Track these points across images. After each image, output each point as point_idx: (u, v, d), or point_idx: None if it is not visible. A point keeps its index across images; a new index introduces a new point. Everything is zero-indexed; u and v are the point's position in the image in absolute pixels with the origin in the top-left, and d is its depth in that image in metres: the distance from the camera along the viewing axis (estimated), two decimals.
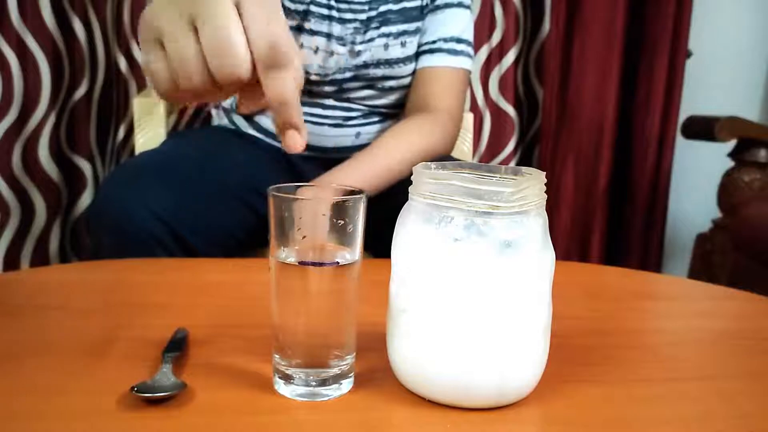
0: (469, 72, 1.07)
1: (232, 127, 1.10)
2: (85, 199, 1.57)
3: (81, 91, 1.51)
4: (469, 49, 1.06)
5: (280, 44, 0.37)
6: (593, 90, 1.73)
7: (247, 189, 0.92)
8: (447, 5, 1.05)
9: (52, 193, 1.52)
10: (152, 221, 0.78)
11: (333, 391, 0.45)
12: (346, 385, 0.46)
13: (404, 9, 1.02)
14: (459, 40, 1.04)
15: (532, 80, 1.78)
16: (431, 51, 1.04)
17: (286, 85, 0.39)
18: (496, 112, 1.72)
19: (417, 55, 1.05)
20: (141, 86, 1.51)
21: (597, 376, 0.51)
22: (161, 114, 1.16)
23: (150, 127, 1.15)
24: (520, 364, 0.44)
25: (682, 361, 0.55)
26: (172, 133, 1.26)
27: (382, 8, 1.01)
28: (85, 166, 1.55)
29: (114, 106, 1.55)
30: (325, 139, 1.03)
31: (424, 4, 1.04)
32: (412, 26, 1.02)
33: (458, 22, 1.05)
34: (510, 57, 1.69)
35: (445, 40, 1.03)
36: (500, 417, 0.44)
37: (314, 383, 0.45)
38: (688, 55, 1.76)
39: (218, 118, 1.15)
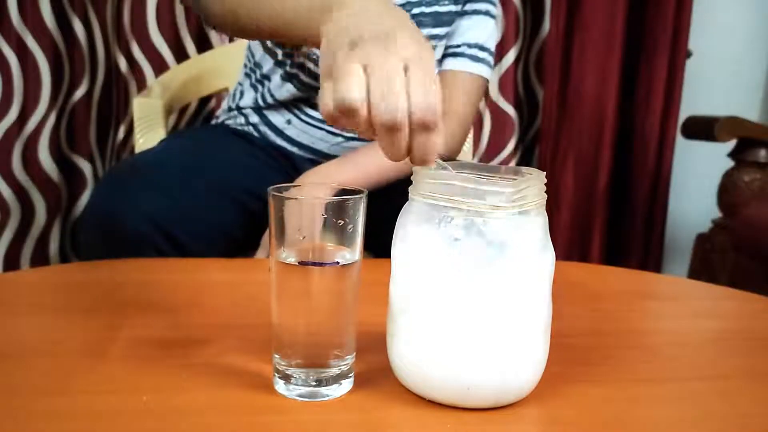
0: (487, 81, 1.07)
1: (241, 121, 1.09)
2: (85, 200, 1.57)
3: (81, 91, 1.51)
4: (490, 59, 1.06)
5: (434, 111, 0.41)
6: (593, 90, 1.73)
7: (244, 189, 0.92)
8: (475, 12, 1.05)
9: (52, 193, 1.52)
10: (144, 222, 0.78)
11: (333, 391, 0.45)
12: (346, 385, 0.46)
13: (436, 13, 1.02)
14: (482, 48, 1.05)
15: (532, 80, 1.77)
16: (454, 54, 1.05)
17: (428, 147, 0.42)
18: (496, 112, 1.72)
19: (440, 59, 1.05)
20: (141, 86, 1.51)
21: (597, 376, 0.51)
22: (161, 114, 1.16)
23: (150, 127, 1.15)
24: (520, 364, 0.44)
25: (682, 361, 0.55)
26: (171, 132, 1.26)
27: (415, 11, 1.01)
28: (85, 166, 1.55)
29: (114, 106, 1.55)
30: (336, 149, 1.03)
31: (456, 9, 1.04)
32: (442, 31, 1.03)
33: (483, 30, 1.05)
34: (510, 57, 1.69)
35: (469, 45, 1.04)
36: (500, 417, 0.44)
37: (314, 383, 0.45)
38: (688, 55, 1.76)
39: (227, 114, 1.14)
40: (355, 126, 0.43)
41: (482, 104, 1.71)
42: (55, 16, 1.45)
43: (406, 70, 0.41)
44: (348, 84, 0.41)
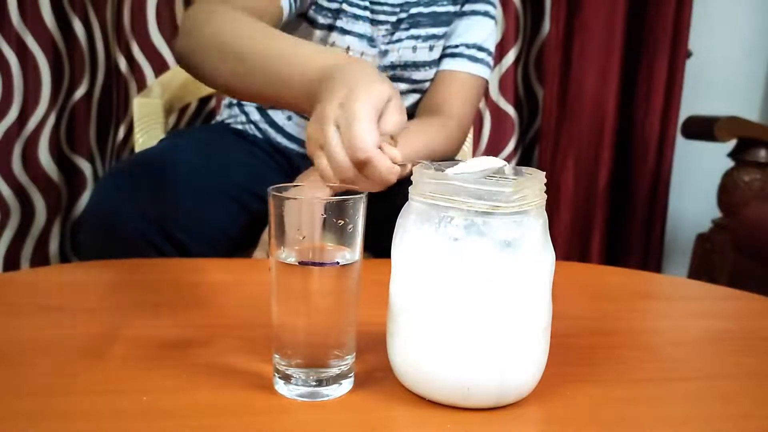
0: (486, 81, 1.07)
1: (241, 120, 1.09)
2: (85, 200, 1.57)
3: (81, 91, 1.51)
4: (489, 59, 1.06)
5: (355, 152, 0.50)
6: (593, 90, 1.73)
7: (244, 188, 0.92)
8: (474, 12, 1.05)
9: (52, 193, 1.52)
10: (144, 222, 0.78)
11: (333, 391, 0.45)
12: (346, 385, 0.46)
13: (434, 13, 1.02)
14: (480, 48, 1.05)
15: (532, 80, 1.78)
16: (452, 55, 1.05)
17: (376, 174, 0.52)
18: (496, 112, 1.72)
19: (438, 59, 1.05)
20: (141, 86, 1.51)
21: (597, 376, 0.51)
22: (161, 114, 1.16)
23: (150, 127, 1.15)
24: (520, 364, 0.44)
25: (682, 361, 0.55)
26: (171, 132, 1.26)
27: (413, 11, 1.01)
28: (85, 166, 1.55)
29: (114, 106, 1.55)
30: None
31: (455, 9, 1.04)
32: (441, 30, 1.03)
33: (482, 31, 1.05)
34: (510, 57, 1.69)
35: (468, 46, 1.04)
36: (500, 417, 0.44)
37: (314, 383, 0.45)
38: (688, 55, 1.76)
39: (228, 111, 1.14)
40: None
41: (482, 104, 1.71)
42: (55, 16, 1.45)
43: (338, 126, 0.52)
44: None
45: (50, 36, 1.45)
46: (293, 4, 0.87)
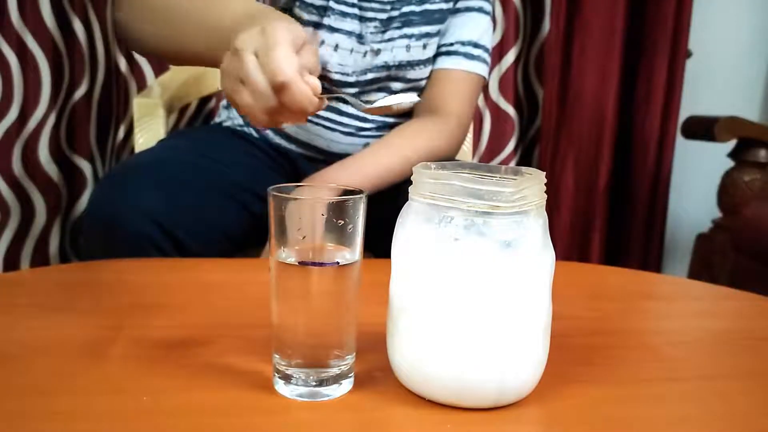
0: (484, 78, 1.06)
1: (239, 123, 1.09)
2: (85, 200, 1.57)
3: (81, 91, 1.51)
4: (486, 56, 1.05)
5: (275, 75, 0.52)
6: (593, 90, 1.73)
7: (244, 188, 0.92)
8: (468, 9, 1.04)
9: (52, 193, 1.52)
10: (145, 222, 0.78)
11: (333, 391, 0.45)
12: (346, 385, 0.46)
13: (427, 11, 1.01)
14: (476, 45, 1.04)
15: (532, 80, 1.78)
16: (447, 53, 1.04)
17: (294, 101, 0.53)
18: (496, 112, 1.72)
19: (434, 56, 1.04)
20: (141, 86, 1.51)
21: (597, 376, 0.51)
22: (161, 114, 1.16)
23: (150, 127, 1.15)
24: (520, 364, 0.44)
25: (682, 361, 0.55)
26: (171, 132, 1.26)
27: (405, 9, 1.00)
28: (85, 166, 1.55)
29: (114, 106, 1.55)
30: (334, 145, 1.03)
31: (447, 7, 1.03)
32: (434, 29, 1.02)
33: (477, 27, 1.04)
34: (510, 57, 1.69)
35: (463, 43, 1.03)
36: (500, 417, 0.44)
37: (314, 383, 0.45)
38: (688, 55, 1.76)
39: (227, 113, 1.14)
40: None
41: (482, 104, 1.71)
42: (55, 16, 1.45)
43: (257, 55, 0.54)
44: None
45: (50, 36, 1.45)
46: None
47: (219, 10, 0.64)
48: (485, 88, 1.71)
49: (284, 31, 0.53)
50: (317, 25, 0.96)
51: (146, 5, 0.72)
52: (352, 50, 0.98)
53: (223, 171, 0.92)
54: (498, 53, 1.69)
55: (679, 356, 0.56)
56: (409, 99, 0.53)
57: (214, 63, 0.65)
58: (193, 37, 0.67)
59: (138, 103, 1.15)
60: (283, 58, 0.51)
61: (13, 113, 1.45)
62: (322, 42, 0.97)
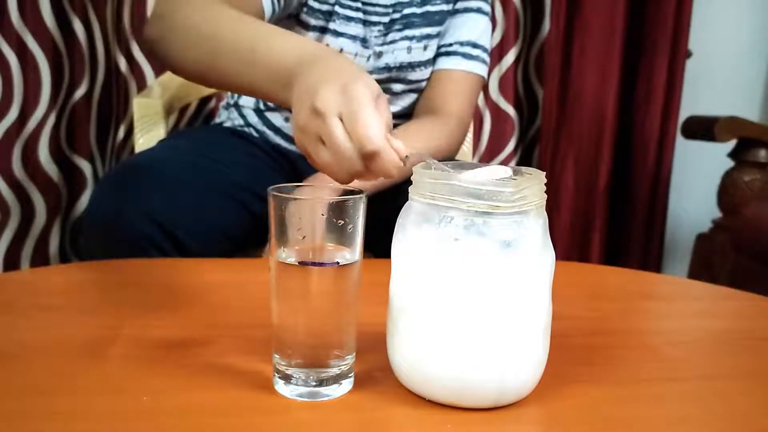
0: (483, 78, 1.06)
1: (239, 123, 1.09)
2: (85, 200, 1.57)
3: (81, 91, 1.51)
4: (485, 55, 1.06)
5: (365, 144, 0.48)
6: (593, 90, 1.73)
7: (244, 188, 0.92)
8: (466, 9, 1.05)
9: (52, 193, 1.52)
10: (145, 222, 0.78)
11: (333, 391, 0.45)
12: (346, 385, 0.46)
13: (427, 13, 1.02)
14: (475, 45, 1.04)
15: (532, 80, 1.77)
16: (447, 54, 1.04)
17: (382, 168, 0.49)
18: (496, 112, 1.72)
19: (433, 57, 1.05)
20: (141, 86, 1.51)
21: (597, 376, 0.51)
22: (161, 114, 1.16)
23: (150, 127, 1.15)
24: (520, 364, 0.44)
25: (682, 361, 0.55)
26: (171, 132, 1.26)
27: (406, 11, 1.00)
28: (85, 166, 1.55)
29: (114, 106, 1.55)
30: None
31: (448, 8, 1.04)
32: (434, 30, 1.02)
33: (475, 27, 1.05)
34: (510, 57, 1.69)
35: (461, 43, 1.04)
36: (500, 417, 0.44)
37: (314, 383, 0.45)
38: (688, 55, 1.76)
39: (226, 113, 1.14)
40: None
41: (482, 104, 1.71)
42: (55, 16, 1.45)
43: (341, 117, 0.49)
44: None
45: (50, 36, 1.45)
46: (276, 5, 0.86)
47: (269, 45, 0.60)
48: (485, 88, 1.71)
49: (366, 90, 0.49)
50: (323, 30, 0.96)
51: (191, 32, 0.67)
52: (356, 54, 0.99)
53: (223, 171, 0.92)
54: (498, 53, 1.69)
55: (679, 356, 0.56)
56: (502, 173, 0.46)
57: (261, 96, 0.62)
58: (240, 70, 0.62)
59: (138, 103, 1.15)
60: (372, 126, 0.47)
61: (13, 113, 1.45)
62: (327, 46, 0.97)
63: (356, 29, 0.98)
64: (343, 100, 0.49)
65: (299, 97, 0.52)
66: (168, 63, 0.72)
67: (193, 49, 0.67)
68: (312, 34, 0.96)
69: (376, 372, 0.49)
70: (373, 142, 0.47)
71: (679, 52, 1.73)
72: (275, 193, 0.43)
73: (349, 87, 0.49)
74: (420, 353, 0.44)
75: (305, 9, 0.95)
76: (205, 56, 0.66)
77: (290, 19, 0.96)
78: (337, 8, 0.96)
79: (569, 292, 0.70)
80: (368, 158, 0.48)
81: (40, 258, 1.53)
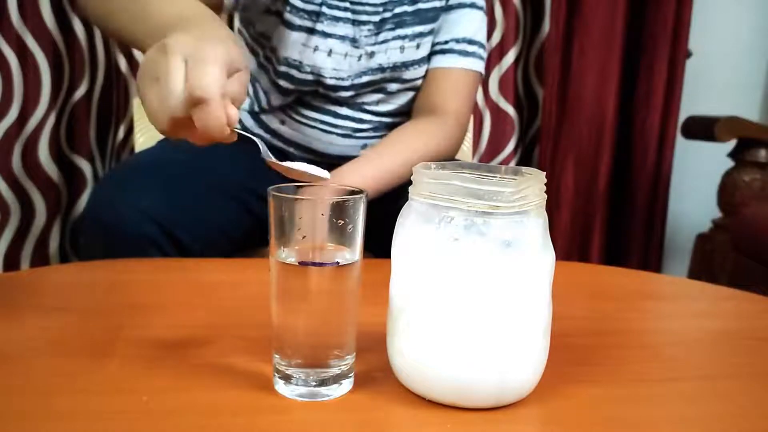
0: (481, 74, 1.05)
1: (237, 126, 1.10)
2: (85, 200, 1.57)
3: (81, 91, 1.51)
4: (481, 51, 1.04)
5: (196, 89, 0.48)
6: (593, 90, 1.73)
7: (243, 188, 0.92)
8: (460, 5, 1.03)
9: (52, 193, 1.52)
10: (145, 221, 0.78)
11: (333, 391, 0.45)
12: (346, 385, 0.46)
13: (419, 10, 1.00)
14: (471, 42, 1.02)
15: (532, 80, 1.78)
16: (442, 51, 1.02)
17: (206, 121, 0.50)
18: (496, 112, 1.72)
19: (428, 55, 1.03)
20: None
21: (597, 376, 0.51)
22: None
23: (150, 127, 1.15)
24: (520, 364, 0.44)
25: (682, 361, 0.55)
26: None
27: (398, 10, 0.99)
28: (85, 166, 1.55)
29: (114, 106, 1.55)
30: (331, 147, 1.03)
31: (440, 5, 1.02)
32: (427, 28, 1.01)
33: (471, 23, 1.03)
34: (510, 57, 1.69)
35: (457, 40, 1.02)
36: (500, 417, 0.44)
37: (314, 383, 0.45)
38: (688, 55, 1.76)
39: None
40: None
41: (482, 104, 1.71)
42: (55, 16, 1.45)
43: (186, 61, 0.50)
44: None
45: (50, 36, 1.45)
46: None
47: (161, 6, 0.62)
48: (485, 88, 1.71)
49: (222, 51, 0.50)
50: (310, 31, 0.95)
51: None
52: (346, 54, 0.97)
53: (223, 171, 0.92)
54: (498, 53, 1.69)
55: (679, 356, 0.56)
56: (318, 173, 0.51)
57: (141, 50, 0.63)
58: (130, 27, 0.66)
59: (138, 104, 1.15)
60: (209, 75, 0.48)
61: (13, 113, 1.45)
62: (316, 48, 0.95)
63: (345, 29, 0.96)
64: (195, 48, 0.50)
65: (160, 41, 0.53)
66: (91, 21, 0.77)
67: (105, 4, 0.71)
68: (297, 35, 0.94)
69: (376, 372, 0.49)
70: (204, 90, 0.48)
71: (679, 52, 1.73)
72: (275, 193, 0.43)
73: (208, 42, 0.50)
74: (420, 353, 0.44)
75: (288, 8, 0.93)
76: (107, 9, 0.70)
77: (271, 15, 0.94)
78: (324, 9, 0.94)
79: (569, 292, 0.70)
80: (195, 105, 0.49)
81: (40, 258, 1.53)
